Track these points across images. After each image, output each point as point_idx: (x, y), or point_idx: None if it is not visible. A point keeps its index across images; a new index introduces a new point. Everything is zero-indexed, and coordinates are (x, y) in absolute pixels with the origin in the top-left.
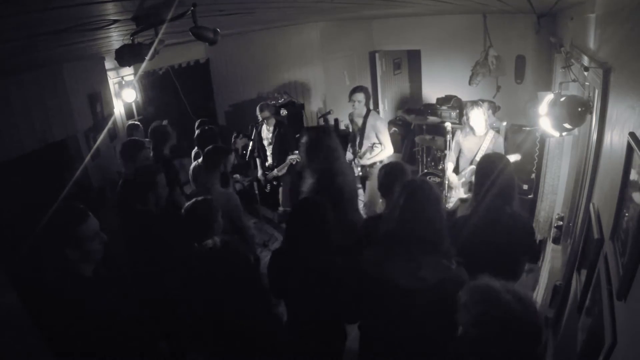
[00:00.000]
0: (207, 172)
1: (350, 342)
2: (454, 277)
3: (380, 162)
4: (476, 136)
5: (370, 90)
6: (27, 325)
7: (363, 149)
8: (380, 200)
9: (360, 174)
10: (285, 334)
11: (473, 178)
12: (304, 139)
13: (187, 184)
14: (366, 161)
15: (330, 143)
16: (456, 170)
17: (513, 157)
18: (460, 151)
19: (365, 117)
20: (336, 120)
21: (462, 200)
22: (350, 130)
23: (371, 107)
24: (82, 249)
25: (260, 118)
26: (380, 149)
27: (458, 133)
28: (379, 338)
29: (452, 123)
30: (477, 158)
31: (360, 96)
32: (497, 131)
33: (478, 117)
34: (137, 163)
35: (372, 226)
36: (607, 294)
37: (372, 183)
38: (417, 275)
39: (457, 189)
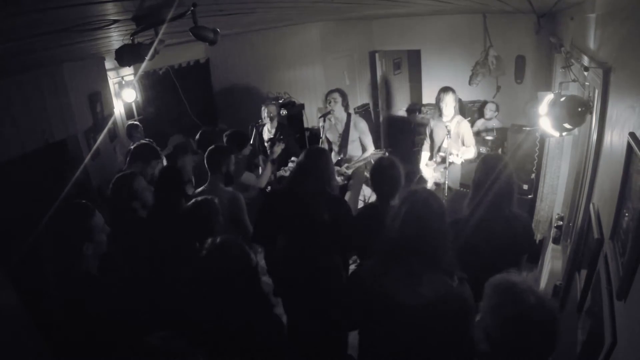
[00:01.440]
0: (210, 173)
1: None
2: (455, 295)
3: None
4: (444, 122)
5: (369, 90)
6: (28, 326)
7: (349, 156)
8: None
9: (345, 182)
10: (284, 335)
11: (443, 166)
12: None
13: (188, 183)
14: (352, 167)
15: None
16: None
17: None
18: (431, 138)
19: (347, 121)
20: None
21: (437, 184)
22: (321, 133)
23: (372, 108)
24: (95, 242)
25: (265, 115)
26: (364, 153)
27: (430, 121)
28: (376, 351)
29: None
30: (444, 144)
31: (335, 95)
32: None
33: (450, 100)
34: (150, 168)
35: (365, 216)
36: (607, 294)
37: (357, 181)
38: (417, 291)
39: (431, 173)
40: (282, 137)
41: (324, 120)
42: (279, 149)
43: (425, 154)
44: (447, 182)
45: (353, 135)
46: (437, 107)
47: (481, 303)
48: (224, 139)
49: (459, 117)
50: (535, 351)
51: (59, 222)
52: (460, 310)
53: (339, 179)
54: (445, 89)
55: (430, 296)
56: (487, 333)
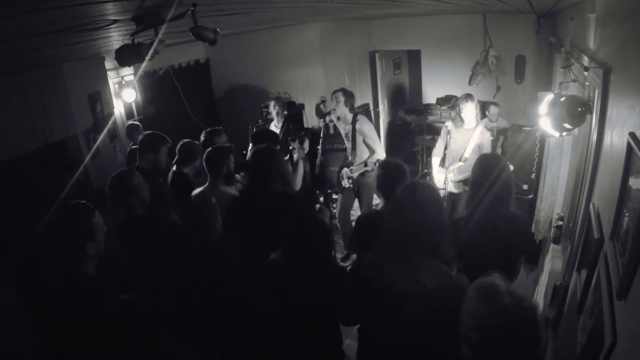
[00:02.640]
0: (210, 174)
1: (348, 345)
2: (453, 283)
3: (373, 168)
4: (465, 129)
5: (369, 90)
6: (28, 326)
7: (357, 162)
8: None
9: (351, 186)
10: (281, 335)
11: (462, 175)
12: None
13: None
14: (356, 173)
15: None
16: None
17: None
18: (448, 145)
19: (353, 122)
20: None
21: (452, 194)
22: (321, 133)
23: (372, 108)
24: (96, 241)
25: (273, 110)
26: (372, 158)
27: (449, 124)
28: (377, 342)
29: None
30: (466, 154)
31: (338, 95)
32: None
33: (470, 109)
34: (159, 156)
35: (367, 225)
36: (607, 294)
37: (367, 190)
38: (416, 280)
39: (447, 182)
40: (303, 132)
41: (325, 120)
42: (307, 145)
43: (435, 159)
44: (448, 186)
45: (359, 138)
46: (457, 114)
47: (463, 305)
48: (250, 140)
49: (482, 127)
50: (516, 354)
51: (61, 222)
52: (459, 299)
53: (346, 182)
54: (465, 98)
55: (429, 284)
56: (466, 337)
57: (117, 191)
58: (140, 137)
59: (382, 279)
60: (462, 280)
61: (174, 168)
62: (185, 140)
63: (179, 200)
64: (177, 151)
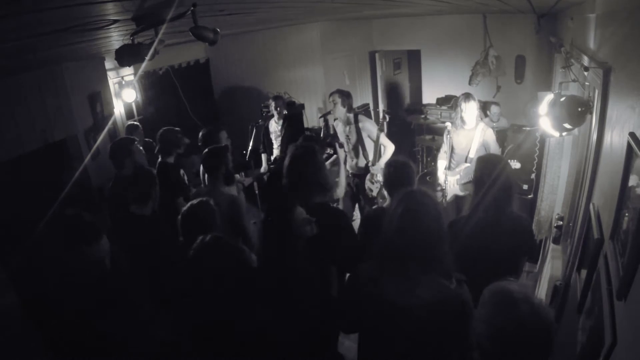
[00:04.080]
0: (209, 176)
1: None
2: (453, 296)
3: None
4: (466, 130)
5: (369, 90)
6: (27, 326)
7: (372, 158)
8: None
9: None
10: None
11: (468, 178)
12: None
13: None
14: (378, 171)
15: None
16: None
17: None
18: (452, 147)
19: (356, 122)
20: (326, 121)
21: (457, 197)
22: (321, 133)
23: (372, 108)
24: (88, 265)
25: (273, 108)
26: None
27: (449, 126)
28: (376, 353)
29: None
30: (471, 154)
31: (335, 97)
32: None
33: (472, 110)
34: (133, 158)
35: (373, 218)
36: (607, 294)
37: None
38: (414, 293)
39: (452, 185)
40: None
41: (324, 120)
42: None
43: (442, 162)
44: (454, 188)
45: (364, 134)
46: (457, 114)
47: (476, 310)
48: (290, 147)
49: (483, 125)
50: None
51: (53, 234)
52: (458, 312)
53: (374, 186)
54: (466, 97)
55: (427, 298)
56: (478, 342)
57: (141, 190)
58: (108, 152)
59: (379, 291)
60: (462, 292)
61: (159, 159)
62: (163, 129)
63: (169, 191)
64: (157, 141)
